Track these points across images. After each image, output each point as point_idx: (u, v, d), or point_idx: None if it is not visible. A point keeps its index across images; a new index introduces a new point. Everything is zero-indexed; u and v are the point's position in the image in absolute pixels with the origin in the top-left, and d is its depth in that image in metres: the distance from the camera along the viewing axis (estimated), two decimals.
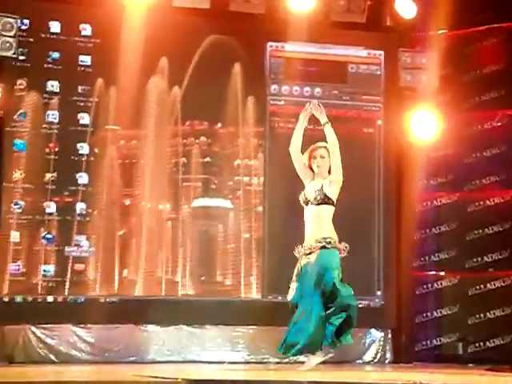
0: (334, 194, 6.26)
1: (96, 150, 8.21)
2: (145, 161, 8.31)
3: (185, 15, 8.38)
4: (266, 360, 8.17)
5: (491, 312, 8.36)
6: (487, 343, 8.34)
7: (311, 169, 6.37)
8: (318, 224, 6.23)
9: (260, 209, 8.52)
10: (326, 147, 6.33)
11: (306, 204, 6.28)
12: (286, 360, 8.15)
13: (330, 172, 6.30)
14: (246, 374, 6.46)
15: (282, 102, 8.69)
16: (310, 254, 6.21)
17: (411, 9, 8.64)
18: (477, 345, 8.36)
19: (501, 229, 8.47)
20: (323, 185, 6.27)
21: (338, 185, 6.27)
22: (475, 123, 8.71)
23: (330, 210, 6.26)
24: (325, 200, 6.22)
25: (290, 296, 6.28)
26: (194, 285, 8.34)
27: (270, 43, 8.63)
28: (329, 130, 6.30)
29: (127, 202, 8.27)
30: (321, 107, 6.34)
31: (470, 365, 8.04)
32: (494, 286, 8.43)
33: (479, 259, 8.42)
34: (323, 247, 6.16)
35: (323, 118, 6.31)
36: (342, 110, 8.70)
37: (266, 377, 5.74)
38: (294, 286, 6.29)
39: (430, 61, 8.72)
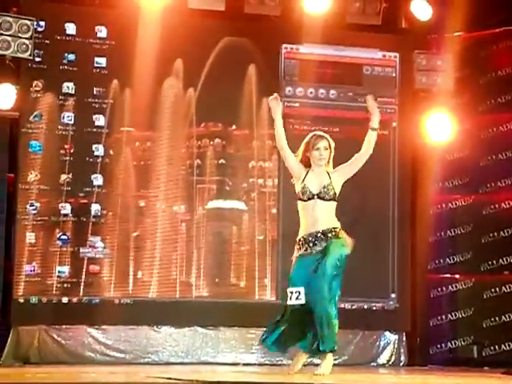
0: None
1: (111, 152, 8.24)
2: (159, 162, 8.32)
3: (200, 17, 8.40)
4: (280, 362, 8.15)
5: (506, 315, 8.32)
6: (502, 346, 8.30)
7: (305, 161, 6.13)
8: (329, 219, 6.02)
9: (274, 211, 8.52)
10: (327, 138, 6.16)
11: (309, 198, 6.02)
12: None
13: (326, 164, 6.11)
14: (260, 375, 6.46)
15: (297, 104, 8.68)
16: (314, 245, 5.98)
17: (427, 11, 8.61)
18: (492, 348, 8.32)
19: None
20: (332, 180, 6.08)
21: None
22: (491, 126, 8.68)
23: (335, 207, 6.10)
24: (334, 197, 6.07)
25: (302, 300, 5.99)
26: (208, 286, 8.34)
27: (284, 45, 8.62)
28: (373, 138, 6.15)
29: (142, 204, 8.28)
30: (375, 109, 6.14)
31: (486, 368, 8.00)
32: (509, 289, 8.39)
33: (494, 262, 8.39)
34: (335, 236, 5.96)
35: (375, 123, 6.13)
36: (356, 111, 8.67)
37: (280, 379, 5.72)
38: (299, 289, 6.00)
39: (445, 63, 8.69)
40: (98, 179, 8.17)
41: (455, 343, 8.58)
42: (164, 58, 8.20)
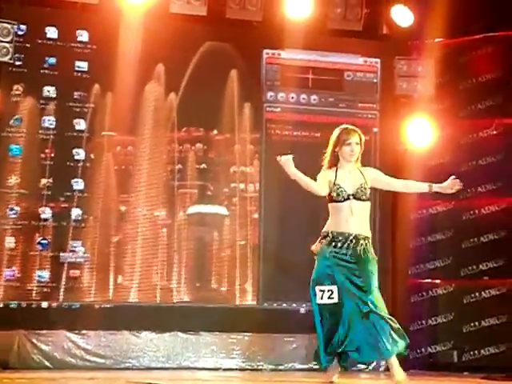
0: None
1: (92, 156, 8.21)
2: (141, 167, 8.31)
3: (181, 21, 8.40)
4: (260, 367, 8.16)
5: (486, 320, 8.35)
6: (482, 351, 8.32)
7: (332, 158, 5.85)
8: (364, 224, 5.79)
9: (256, 216, 8.52)
10: (358, 133, 5.91)
11: (345, 199, 5.74)
12: (281, 367, 8.18)
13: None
14: (241, 380, 6.46)
15: (279, 109, 8.70)
16: (343, 245, 5.74)
17: (408, 17, 8.66)
18: (472, 353, 8.35)
19: (496, 237, 8.46)
20: (366, 179, 5.83)
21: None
22: (471, 131, 8.72)
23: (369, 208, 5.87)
24: (369, 197, 5.83)
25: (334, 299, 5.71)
26: (189, 291, 8.33)
27: (266, 50, 8.64)
28: (419, 189, 6.05)
29: (123, 209, 8.26)
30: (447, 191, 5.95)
31: (465, 373, 8.03)
32: (489, 295, 8.42)
33: (474, 267, 8.42)
34: (366, 246, 5.73)
35: (436, 188, 5.96)
36: (338, 117, 8.70)
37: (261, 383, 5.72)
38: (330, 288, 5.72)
39: (426, 69, 8.74)
40: (78, 184, 8.14)
41: (435, 348, 8.61)
42: (145, 62, 8.19)
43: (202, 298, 8.33)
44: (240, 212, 8.51)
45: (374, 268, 5.77)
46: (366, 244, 5.79)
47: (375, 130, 8.82)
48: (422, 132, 8.74)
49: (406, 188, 6.21)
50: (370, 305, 5.65)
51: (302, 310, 8.43)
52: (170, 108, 8.39)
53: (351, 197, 5.77)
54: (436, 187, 5.98)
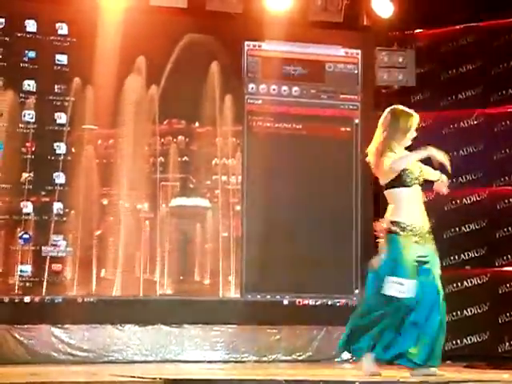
0: None
1: (73, 150, 8.17)
2: (122, 160, 8.28)
3: (162, 14, 8.36)
4: (244, 359, 8.17)
5: (468, 309, 8.40)
6: (464, 340, 8.38)
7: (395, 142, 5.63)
8: (425, 213, 5.65)
9: (238, 208, 8.52)
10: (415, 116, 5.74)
11: (414, 183, 5.61)
12: (265, 359, 8.20)
13: None
14: (224, 372, 6.47)
15: (260, 101, 8.69)
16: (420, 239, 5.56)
17: (388, 8, 8.67)
18: (454, 342, 8.40)
19: (477, 227, 8.51)
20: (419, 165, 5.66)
21: None
22: (452, 122, 8.75)
23: None
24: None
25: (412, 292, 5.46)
26: (172, 284, 8.32)
27: (247, 42, 8.62)
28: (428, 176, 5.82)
29: (105, 202, 8.24)
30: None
31: (448, 362, 8.07)
32: (470, 284, 8.47)
33: (456, 257, 8.45)
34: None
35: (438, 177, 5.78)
36: (319, 108, 8.74)
37: (245, 375, 5.74)
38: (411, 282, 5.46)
39: (406, 60, 8.76)
40: (60, 177, 8.10)
41: None
42: (126, 54, 8.15)
43: (185, 291, 8.32)
44: (222, 204, 8.51)
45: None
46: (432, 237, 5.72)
47: (356, 121, 8.84)
48: None
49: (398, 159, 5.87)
50: None
51: (286, 302, 8.45)
52: (151, 101, 8.37)
53: (417, 180, 5.66)
54: (441, 178, 5.82)
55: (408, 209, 5.62)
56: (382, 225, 5.69)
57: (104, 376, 5.64)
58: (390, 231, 5.61)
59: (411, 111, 5.82)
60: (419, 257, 5.56)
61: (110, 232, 8.21)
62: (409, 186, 5.63)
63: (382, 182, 5.76)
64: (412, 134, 5.75)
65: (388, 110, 5.84)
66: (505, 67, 8.60)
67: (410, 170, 5.63)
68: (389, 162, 5.61)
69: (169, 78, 8.36)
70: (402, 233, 5.58)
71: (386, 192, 5.77)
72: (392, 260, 5.57)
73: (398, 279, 5.47)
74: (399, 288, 5.44)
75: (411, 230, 5.58)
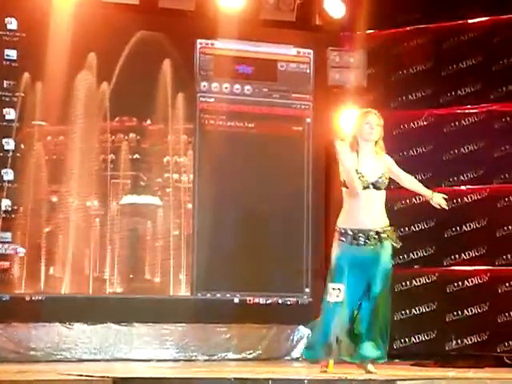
0: None
1: (22, 146, 8.08)
2: (72, 157, 8.21)
3: (114, 10, 8.30)
4: (194, 357, 8.17)
5: (416, 308, 8.48)
6: (412, 339, 8.46)
7: (355, 143, 5.65)
8: (382, 215, 5.63)
9: (189, 206, 8.50)
10: (376, 114, 5.75)
11: (365, 188, 5.53)
12: (215, 357, 8.21)
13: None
14: (174, 371, 6.45)
15: (212, 100, 8.68)
16: (369, 241, 5.59)
17: (340, 8, 8.73)
18: (402, 340, 8.48)
19: (426, 226, 8.59)
20: (384, 167, 5.64)
21: None
22: (402, 122, 8.82)
23: None
24: (387, 185, 5.65)
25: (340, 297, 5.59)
26: (122, 282, 8.28)
27: (199, 40, 8.60)
28: (420, 191, 5.94)
29: (54, 199, 8.16)
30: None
31: (396, 360, 8.15)
32: (419, 283, 8.56)
33: (405, 256, 8.52)
34: (387, 237, 5.59)
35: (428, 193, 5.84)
36: (272, 107, 8.77)
37: (194, 374, 5.73)
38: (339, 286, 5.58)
39: (358, 60, 8.82)
40: (8, 174, 8.00)
41: None
42: (77, 51, 8.07)
43: (135, 289, 8.29)
44: (173, 202, 8.49)
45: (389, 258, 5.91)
46: (387, 235, 5.84)
47: (308, 120, 8.88)
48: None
49: (410, 185, 5.98)
50: None
51: (236, 300, 8.46)
52: (102, 98, 8.30)
53: (371, 186, 5.62)
54: (436, 197, 5.82)
55: (350, 213, 5.69)
56: None
57: (52, 375, 5.59)
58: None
59: (369, 109, 5.96)
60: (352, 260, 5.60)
61: (60, 229, 8.13)
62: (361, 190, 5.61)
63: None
64: (369, 125, 5.77)
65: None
66: (455, 68, 8.70)
67: (362, 174, 5.64)
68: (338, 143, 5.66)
69: (120, 74, 8.30)
70: (339, 237, 5.73)
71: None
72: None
73: (333, 285, 5.62)
74: (336, 293, 5.63)
75: (344, 234, 5.67)
